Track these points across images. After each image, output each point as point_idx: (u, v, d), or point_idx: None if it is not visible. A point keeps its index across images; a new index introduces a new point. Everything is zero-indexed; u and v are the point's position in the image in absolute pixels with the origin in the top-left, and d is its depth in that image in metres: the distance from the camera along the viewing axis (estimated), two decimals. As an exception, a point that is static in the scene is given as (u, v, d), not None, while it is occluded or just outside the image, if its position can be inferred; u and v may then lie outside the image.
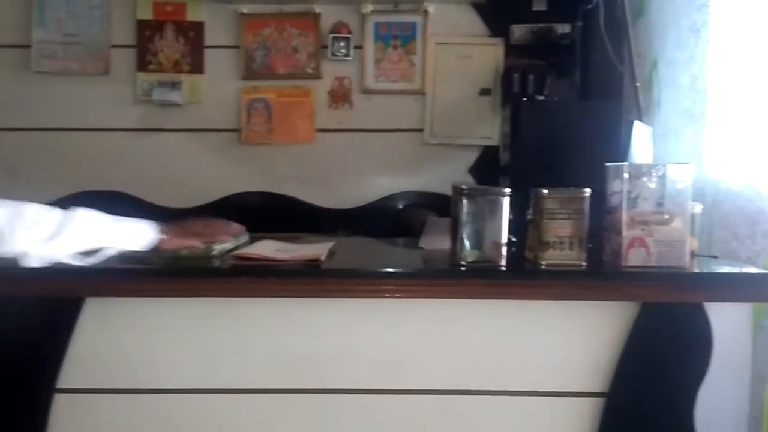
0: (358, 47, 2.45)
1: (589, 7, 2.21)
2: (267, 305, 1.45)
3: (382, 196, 2.49)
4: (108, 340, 1.47)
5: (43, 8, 2.43)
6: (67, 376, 1.46)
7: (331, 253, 1.61)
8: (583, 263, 1.38)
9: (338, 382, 1.48)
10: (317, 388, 1.47)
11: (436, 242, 1.73)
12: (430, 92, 2.44)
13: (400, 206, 2.48)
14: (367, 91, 2.46)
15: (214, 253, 1.55)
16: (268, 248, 1.56)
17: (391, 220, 2.44)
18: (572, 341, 1.42)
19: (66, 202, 2.47)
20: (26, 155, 2.52)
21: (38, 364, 1.47)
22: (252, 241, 1.79)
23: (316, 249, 1.54)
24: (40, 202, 2.53)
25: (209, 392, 1.46)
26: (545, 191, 1.37)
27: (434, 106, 2.44)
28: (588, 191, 1.36)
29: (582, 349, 1.42)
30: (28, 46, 2.46)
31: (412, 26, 2.45)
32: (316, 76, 2.47)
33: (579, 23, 2.31)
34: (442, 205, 2.25)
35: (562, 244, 1.36)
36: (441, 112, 2.44)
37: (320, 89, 2.48)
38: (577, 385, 1.41)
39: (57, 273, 1.49)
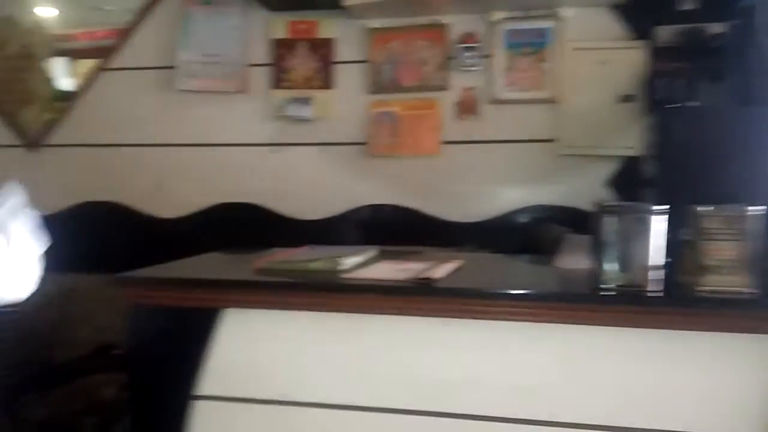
0: (487, 56, 2.39)
1: (746, 3, 2.00)
2: (396, 323, 1.43)
3: (511, 209, 2.40)
4: (244, 350, 1.51)
5: (188, 30, 2.59)
6: (205, 384, 1.51)
7: (459, 270, 1.56)
8: (751, 290, 1.22)
9: (466, 407, 1.42)
10: (444, 411, 1.42)
11: (573, 262, 1.63)
12: (564, 100, 2.32)
13: (530, 221, 2.37)
14: (495, 101, 2.38)
15: (341, 267, 1.55)
16: (388, 269, 1.54)
17: (519, 236, 2.35)
18: (730, 380, 1.26)
19: (205, 213, 2.64)
20: (169, 169, 2.69)
21: (178, 371, 1.55)
22: (379, 254, 1.78)
23: (439, 267, 1.50)
24: (182, 214, 2.70)
25: (339, 408, 1.46)
26: (705, 209, 1.23)
27: (568, 114, 2.31)
28: (761, 209, 1.20)
29: (742, 389, 1.25)
30: (173, 67, 2.64)
31: (544, 32, 2.34)
32: (443, 87, 2.43)
33: (734, 22, 2.09)
34: (575, 221, 2.12)
35: (724, 269, 1.22)
36: (576, 120, 2.30)
37: (447, 101, 2.43)
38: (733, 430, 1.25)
39: (197, 284, 1.57)
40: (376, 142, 2.48)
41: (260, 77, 2.58)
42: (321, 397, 1.46)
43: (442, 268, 1.49)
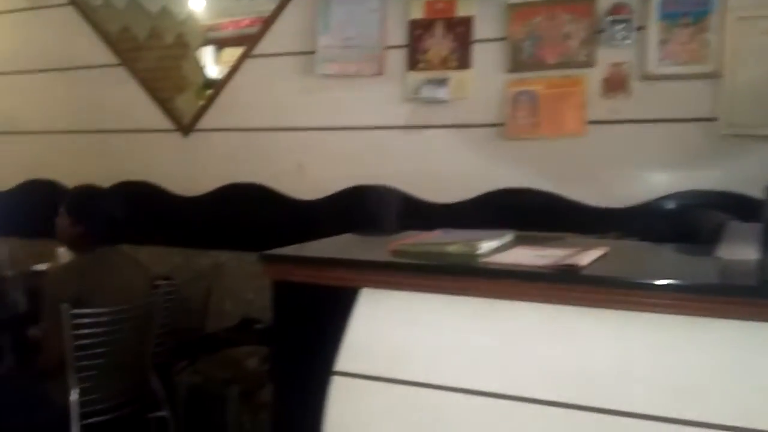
0: (639, 29, 2.21)
1: None
2: (535, 310, 1.36)
3: (662, 194, 2.21)
4: (381, 330, 1.51)
5: (328, 15, 2.65)
6: (343, 361, 1.54)
7: (603, 258, 1.46)
8: None
9: (607, 402, 1.32)
10: (583, 404, 1.33)
11: (737, 252, 1.46)
12: (728, 75, 2.09)
13: (684, 207, 2.17)
14: (648, 77, 2.20)
15: (480, 251, 1.51)
16: (527, 255, 1.47)
17: (671, 223, 2.16)
18: None
19: (340, 196, 2.70)
20: (310, 152, 2.78)
21: (317, 346, 1.58)
22: (516, 239, 1.71)
23: (583, 254, 1.41)
24: (319, 196, 2.78)
25: (473, 393, 1.42)
26: None
27: (734, 90, 2.08)
28: None
29: None
30: (313, 52, 2.70)
31: (706, 0, 2.12)
32: (589, 63, 2.28)
33: None
34: (738, 207, 1.92)
35: None
36: (741, 97, 2.07)
37: (593, 77, 2.29)
38: None
39: (336, 263, 1.59)
40: (514, 123, 2.39)
41: (396, 59, 2.58)
42: (455, 381, 1.43)
43: (586, 255, 1.39)
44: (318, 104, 2.75)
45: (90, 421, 2.05)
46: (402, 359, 1.50)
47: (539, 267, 1.35)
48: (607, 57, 2.26)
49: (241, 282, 2.91)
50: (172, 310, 2.35)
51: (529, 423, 1.37)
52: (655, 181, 2.23)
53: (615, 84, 2.24)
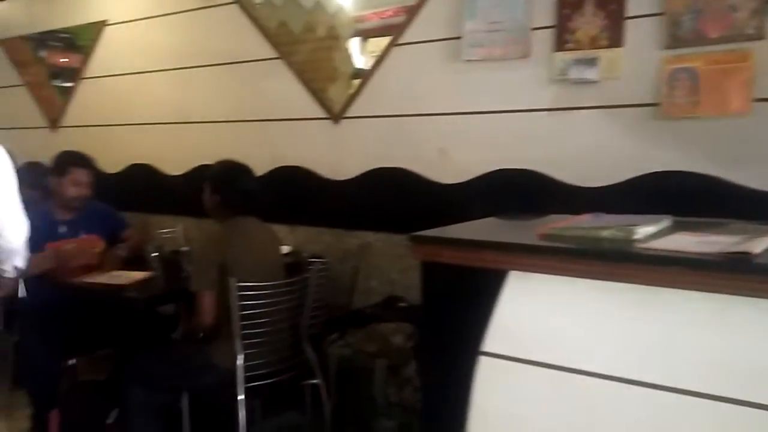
0: (821, -6, 2.00)
1: None
2: (697, 300, 1.30)
3: None
4: (528, 313, 1.53)
5: (474, 1, 2.66)
6: (490, 341, 1.58)
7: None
8: None
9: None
10: (756, 402, 1.27)
11: None
12: None
13: None
14: (830, 49, 1.99)
15: (636, 237, 1.47)
16: (690, 241, 1.40)
17: None
18: None
19: (483, 179, 2.71)
20: (453, 136, 2.81)
21: (464, 326, 1.63)
22: (675, 224, 1.64)
23: (755, 241, 1.32)
24: (462, 180, 2.81)
25: (626, 382, 1.40)
26: None
27: None
28: None
29: None
30: (458, 38, 2.73)
31: None
32: (759, 36, 2.09)
33: None
34: None
35: None
36: None
37: (763, 51, 2.10)
38: None
39: (485, 245, 1.63)
40: (671, 102, 2.27)
41: (543, 41, 2.53)
42: (609, 370, 1.41)
43: (758, 242, 1.31)
44: (462, 89, 2.77)
45: (252, 384, 2.25)
46: (551, 343, 1.50)
47: (706, 254, 1.29)
48: (780, 28, 2.07)
49: (387, 262, 3.03)
50: (324, 286, 2.52)
51: (691, 418, 1.32)
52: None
53: (789, 58, 2.05)
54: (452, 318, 1.65)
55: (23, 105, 4.69)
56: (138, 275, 2.69)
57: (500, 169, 2.69)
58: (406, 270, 2.95)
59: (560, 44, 2.48)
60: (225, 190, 2.42)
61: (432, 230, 1.79)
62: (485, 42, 2.63)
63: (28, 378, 2.73)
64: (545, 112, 2.56)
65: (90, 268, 2.79)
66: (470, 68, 2.71)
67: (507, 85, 2.64)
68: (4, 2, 4.65)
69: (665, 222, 1.62)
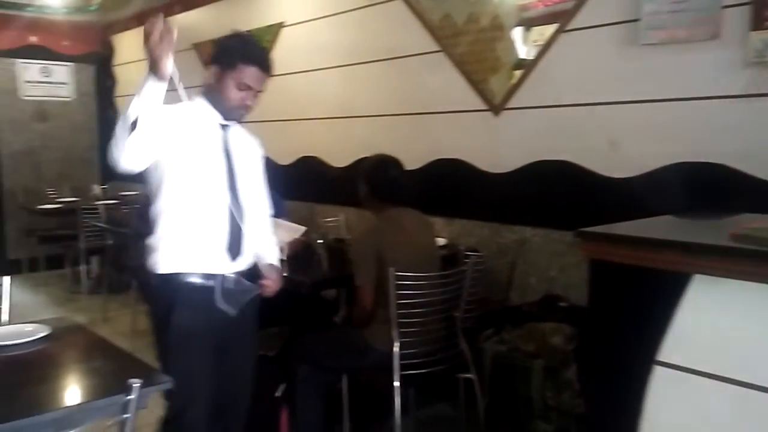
0: None
1: None
2: None
3: None
4: (713, 322, 1.38)
5: (656, -21, 2.44)
6: (669, 350, 1.44)
7: None
8: None
9: None
10: None
11: None
12: None
13: None
14: None
15: None
16: None
17: None
18: None
19: (662, 172, 2.48)
20: (625, 126, 2.62)
21: (637, 332, 1.51)
22: None
23: None
24: (633, 174, 2.61)
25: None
26: None
27: None
28: None
29: None
30: (634, 21, 2.52)
31: None
32: None
33: None
34: None
35: None
36: None
37: None
38: None
39: (665, 245, 1.48)
40: None
41: (736, 19, 2.26)
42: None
43: None
44: (638, 76, 2.56)
45: (407, 372, 2.27)
46: (737, 356, 1.35)
47: None
48: None
49: (545, 258, 2.91)
50: (479, 280, 2.47)
51: None
52: None
53: None
54: (624, 322, 1.53)
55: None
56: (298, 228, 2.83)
57: (680, 163, 2.45)
58: (565, 268, 2.81)
59: (758, 22, 2.20)
60: (372, 180, 2.49)
61: (601, 227, 1.68)
62: (667, 23, 2.40)
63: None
64: (739, 99, 2.28)
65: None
66: (648, 53, 2.50)
67: (691, 70, 2.40)
68: (194, 10, 5.12)
69: None
